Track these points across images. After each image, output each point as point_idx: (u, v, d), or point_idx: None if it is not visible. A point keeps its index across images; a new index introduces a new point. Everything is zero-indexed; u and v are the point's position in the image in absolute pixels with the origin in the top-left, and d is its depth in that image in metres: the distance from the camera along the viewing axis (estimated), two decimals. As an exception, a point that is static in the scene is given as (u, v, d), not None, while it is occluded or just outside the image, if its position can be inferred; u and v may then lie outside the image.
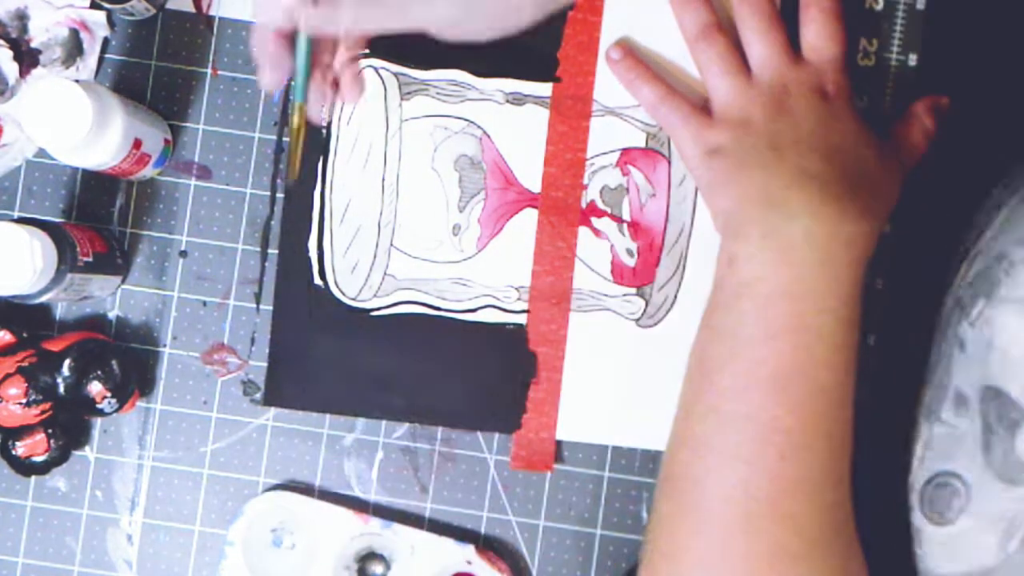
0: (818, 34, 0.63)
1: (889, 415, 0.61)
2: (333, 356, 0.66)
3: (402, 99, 0.67)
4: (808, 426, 0.56)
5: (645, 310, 0.67)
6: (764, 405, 0.56)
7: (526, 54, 0.67)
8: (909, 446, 0.58)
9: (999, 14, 0.68)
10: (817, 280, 0.56)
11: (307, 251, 0.66)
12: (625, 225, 0.67)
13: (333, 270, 0.66)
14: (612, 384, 0.67)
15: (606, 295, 0.67)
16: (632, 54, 0.66)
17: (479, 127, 0.67)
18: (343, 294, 0.66)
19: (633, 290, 0.67)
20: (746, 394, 0.56)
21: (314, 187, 0.66)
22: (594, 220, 0.67)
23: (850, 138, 0.60)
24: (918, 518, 0.56)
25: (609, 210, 0.67)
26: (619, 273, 0.67)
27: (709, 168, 0.62)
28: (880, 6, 0.68)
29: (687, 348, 0.67)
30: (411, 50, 0.67)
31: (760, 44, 0.63)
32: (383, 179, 0.67)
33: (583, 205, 0.67)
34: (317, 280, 0.66)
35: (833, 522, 0.56)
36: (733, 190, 0.60)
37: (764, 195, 0.58)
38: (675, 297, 0.67)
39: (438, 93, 0.67)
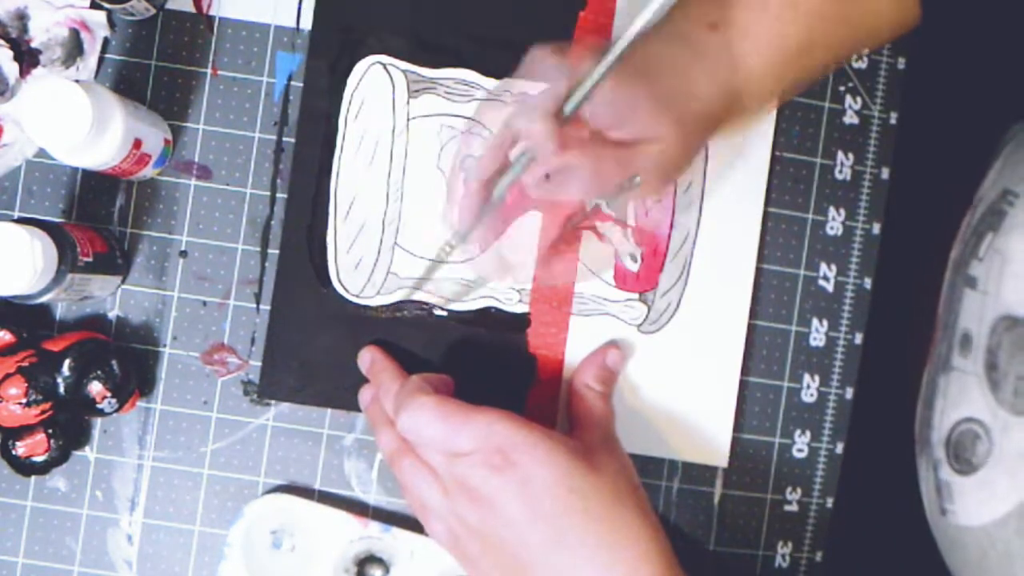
0: None
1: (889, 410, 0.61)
2: (333, 352, 0.66)
3: (410, 97, 0.66)
4: None
5: (647, 316, 0.67)
6: None
7: (534, 55, 0.66)
8: (930, 402, 0.57)
9: (985, 16, 0.67)
10: None
11: (310, 246, 0.66)
12: (629, 230, 0.67)
13: (336, 266, 0.66)
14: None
15: (608, 300, 0.67)
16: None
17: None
18: (346, 291, 0.66)
19: (635, 295, 0.67)
20: None
21: (320, 180, 0.66)
22: (598, 224, 0.67)
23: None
24: (946, 472, 0.55)
25: (614, 214, 0.67)
26: (622, 278, 0.67)
27: None
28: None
29: (688, 355, 0.67)
30: (420, 48, 0.66)
31: None
32: (388, 177, 0.66)
33: (588, 208, 0.66)
34: (320, 275, 0.66)
35: None
36: None
37: None
38: (678, 304, 0.67)
39: (446, 92, 0.66)
